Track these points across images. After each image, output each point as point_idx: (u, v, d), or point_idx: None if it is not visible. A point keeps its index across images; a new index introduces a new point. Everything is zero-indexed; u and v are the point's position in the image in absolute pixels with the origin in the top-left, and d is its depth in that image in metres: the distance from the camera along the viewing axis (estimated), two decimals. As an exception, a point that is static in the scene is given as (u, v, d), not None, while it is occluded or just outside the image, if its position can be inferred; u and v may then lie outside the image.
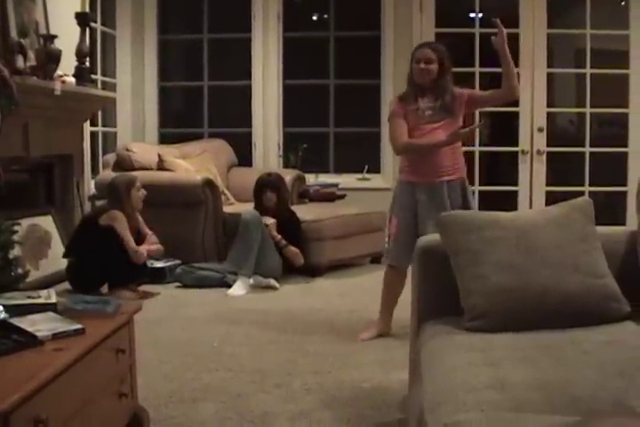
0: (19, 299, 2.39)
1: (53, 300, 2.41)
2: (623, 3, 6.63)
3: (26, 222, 4.61)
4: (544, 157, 6.63)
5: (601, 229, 2.48)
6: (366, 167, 6.79)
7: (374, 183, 6.77)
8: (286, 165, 6.83)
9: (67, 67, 4.94)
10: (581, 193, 6.10)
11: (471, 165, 6.71)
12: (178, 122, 7.34)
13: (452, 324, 2.33)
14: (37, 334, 2.06)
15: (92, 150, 6.18)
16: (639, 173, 6.21)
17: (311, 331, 3.99)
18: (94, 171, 6.19)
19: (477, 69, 6.57)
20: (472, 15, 6.68)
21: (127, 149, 5.89)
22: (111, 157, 5.99)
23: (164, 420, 2.74)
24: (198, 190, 5.53)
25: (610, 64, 6.61)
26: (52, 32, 4.85)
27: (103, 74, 6.59)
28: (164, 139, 7.02)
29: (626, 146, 6.58)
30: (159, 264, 5.21)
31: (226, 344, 3.74)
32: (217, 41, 7.12)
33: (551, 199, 6.17)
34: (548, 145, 6.63)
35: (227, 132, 6.99)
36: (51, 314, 2.27)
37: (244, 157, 6.90)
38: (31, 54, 4.62)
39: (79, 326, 2.15)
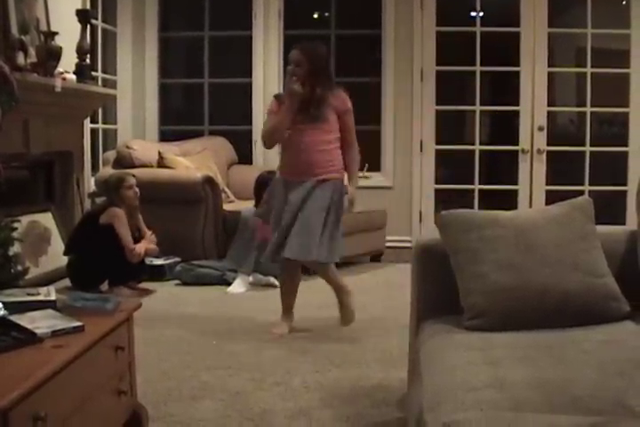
0: (18, 296, 2.39)
1: (53, 297, 2.41)
2: (624, 2, 6.63)
3: (26, 219, 4.61)
4: (544, 156, 6.62)
5: (601, 228, 2.48)
6: (366, 166, 6.78)
7: (374, 181, 6.76)
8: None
9: (67, 64, 4.93)
10: (581, 192, 6.10)
11: (471, 164, 6.72)
12: (178, 119, 7.33)
13: (451, 323, 2.33)
14: (37, 331, 2.06)
15: (92, 147, 6.18)
16: (639, 172, 6.21)
17: (311, 329, 3.99)
18: (94, 168, 6.19)
19: (478, 68, 6.57)
20: (473, 14, 6.68)
21: (127, 147, 5.89)
22: (111, 155, 5.99)
23: (163, 417, 2.74)
24: (198, 188, 5.53)
25: (610, 63, 6.61)
26: (53, 29, 4.85)
27: (104, 71, 6.58)
28: (165, 136, 7.02)
29: (626, 145, 6.58)
30: (159, 262, 5.21)
31: (225, 342, 3.74)
32: (218, 38, 7.12)
33: (551, 198, 6.17)
34: (548, 144, 6.63)
35: (227, 130, 6.98)
36: (50, 311, 2.27)
37: (244, 154, 6.90)
38: (32, 51, 4.61)
39: (78, 323, 2.15)
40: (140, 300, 3.90)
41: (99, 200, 5.54)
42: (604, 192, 6.53)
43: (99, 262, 4.54)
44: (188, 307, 4.50)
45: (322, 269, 3.95)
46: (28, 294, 2.42)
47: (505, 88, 7.02)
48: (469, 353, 2.02)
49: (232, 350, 3.59)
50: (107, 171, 5.64)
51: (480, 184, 6.71)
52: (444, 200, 6.74)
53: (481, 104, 6.67)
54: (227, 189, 6.24)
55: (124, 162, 5.77)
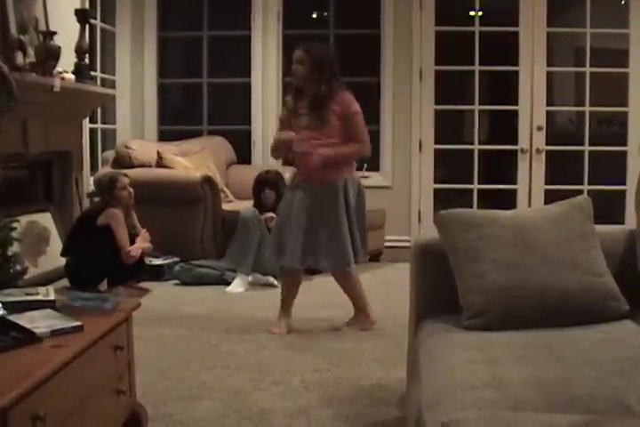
0: (17, 296, 2.39)
1: (52, 297, 2.41)
2: (623, 1, 6.63)
3: (24, 219, 4.60)
4: (543, 155, 6.63)
5: (600, 227, 2.48)
6: (365, 165, 6.78)
7: (373, 181, 6.76)
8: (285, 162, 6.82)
9: (66, 63, 4.93)
10: (580, 192, 6.10)
11: (470, 164, 6.72)
12: (177, 119, 7.33)
13: (450, 322, 2.33)
14: (36, 330, 2.05)
15: (91, 147, 6.18)
16: (638, 171, 6.21)
17: (309, 328, 3.99)
18: (93, 168, 6.19)
19: (477, 68, 6.57)
20: (472, 13, 6.68)
21: (126, 147, 5.88)
22: (110, 154, 5.98)
23: (163, 417, 2.74)
24: (197, 188, 5.53)
25: (609, 63, 6.61)
26: (52, 29, 4.84)
27: (102, 71, 6.57)
28: (164, 136, 7.02)
29: (625, 145, 6.58)
30: (158, 262, 5.21)
31: (224, 342, 3.74)
32: (216, 38, 7.11)
33: (550, 198, 6.16)
34: (547, 144, 6.63)
35: (226, 130, 6.98)
36: (49, 311, 2.27)
37: (243, 154, 6.89)
38: (31, 51, 4.61)
39: (77, 323, 2.15)
40: (139, 299, 3.91)
41: (97, 200, 5.53)
42: (603, 191, 6.53)
43: (97, 263, 4.54)
44: (186, 307, 4.50)
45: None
46: (27, 294, 2.42)
47: (504, 88, 7.02)
48: (468, 352, 2.02)
49: (231, 350, 3.59)
50: (105, 171, 5.64)
51: (479, 184, 6.71)
52: (442, 200, 6.74)
53: (480, 104, 6.67)
54: (225, 189, 6.24)
55: (122, 162, 5.77)
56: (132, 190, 4.73)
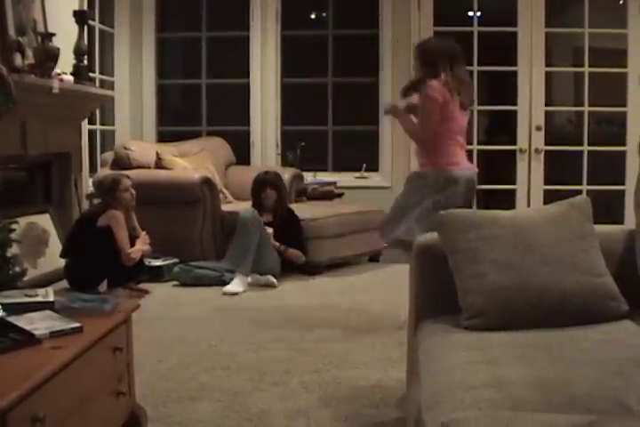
0: (16, 297, 2.39)
1: (51, 298, 2.41)
2: (621, 1, 6.63)
3: (24, 221, 4.60)
4: (542, 155, 6.63)
5: (599, 227, 2.48)
6: (364, 166, 6.79)
7: (372, 182, 6.77)
8: (284, 163, 6.83)
9: (65, 65, 4.93)
10: (579, 192, 6.11)
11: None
12: (176, 120, 7.33)
13: (449, 322, 2.33)
14: (35, 332, 2.05)
15: (90, 148, 6.18)
16: (637, 171, 6.21)
17: (309, 329, 3.99)
18: (92, 169, 6.19)
19: (476, 68, 6.56)
20: (470, 14, 6.68)
21: (125, 148, 5.89)
22: (109, 156, 5.98)
23: (162, 418, 2.73)
24: (196, 189, 5.53)
25: (608, 63, 6.61)
26: (51, 30, 4.84)
27: (101, 72, 6.57)
28: (162, 137, 7.02)
29: (624, 144, 6.58)
30: (157, 263, 5.21)
31: (223, 343, 3.74)
32: (215, 39, 7.12)
33: (549, 198, 6.16)
34: (546, 144, 6.63)
35: (225, 131, 6.98)
36: (48, 312, 2.27)
37: (242, 155, 6.90)
38: (29, 52, 4.61)
39: (77, 324, 2.15)
40: (139, 301, 3.92)
41: (97, 201, 5.53)
42: (602, 191, 6.53)
43: (96, 264, 4.54)
44: (186, 308, 4.50)
45: None
46: (27, 296, 2.42)
47: (503, 88, 7.02)
48: (468, 353, 2.02)
49: (230, 351, 3.59)
50: (105, 172, 5.64)
51: (478, 184, 6.69)
52: (442, 200, 6.73)
53: (479, 104, 6.66)
54: (224, 190, 6.24)
55: (121, 163, 5.77)
56: (134, 192, 4.73)
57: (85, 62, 5.22)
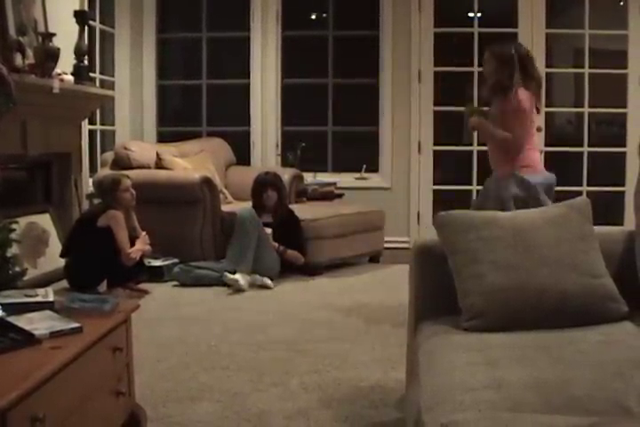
0: (16, 297, 2.39)
1: (51, 298, 2.41)
2: (622, 3, 6.63)
3: (24, 221, 4.60)
4: (542, 156, 6.62)
5: (599, 228, 2.48)
6: (364, 166, 6.79)
7: (372, 182, 6.78)
8: (284, 163, 6.84)
9: (65, 65, 4.93)
10: (579, 193, 6.10)
11: (469, 165, 6.73)
12: (176, 120, 7.33)
13: (449, 323, 2.33)
14: (35, 332, 2.05)
15: (90, 149, 6.18)
16: (637, 172, 6.21)
17: (309, 330, 3.99)
18: (92, 169, 6.19)
19: (476, 69, 6.56)
20: (471, 15, 6.68)
21: (125, 148, 5.89)
22: (109, 156, 5.98)
23: (162, 418, 2.73)
24: (196, 189, 5.53)
25: (608, 64, 6.61)
26: (51, 30, 4.84)
27: (101, 72, 6.58)
28: (163, 137, 7.02)
29: (624, 146, 6.58)
30: (157, 263, 5.21)
31: (223, 343, 3.74)
32: (215, 39, 7.12)
33: (549, 199, 6.16)
34: (546, 145, 6.62)
35: (225, 131, 6.99)
36: (48, 312, 2.27)
37: (242, 155, 6.90)
38: (30, 52, 4.61)
39: (76, 324, 2.15)
40: (138, 301, 3.91)
41: (97, 201, 5.53)
42: (602, 193, 6.53)
43: (96, 264, 4.54)
44: (186, 308, 4.50)
45: None
46: (26, 296, 2.42)
47: (503, 89, 7.01)
48: (467, 354, 2.02)
49: (230, 351, 3.59)
50: (105, 172, 5.64)
51: (478, 185, 6.69)
52: (442, 201, 6.74)
53: (479, 105, 6.66)
54: (225, 190, 6.24)
55: (121, 163, 5.77)
56: (134, 192, 4.73)
57: (86, 62, 5.22)
